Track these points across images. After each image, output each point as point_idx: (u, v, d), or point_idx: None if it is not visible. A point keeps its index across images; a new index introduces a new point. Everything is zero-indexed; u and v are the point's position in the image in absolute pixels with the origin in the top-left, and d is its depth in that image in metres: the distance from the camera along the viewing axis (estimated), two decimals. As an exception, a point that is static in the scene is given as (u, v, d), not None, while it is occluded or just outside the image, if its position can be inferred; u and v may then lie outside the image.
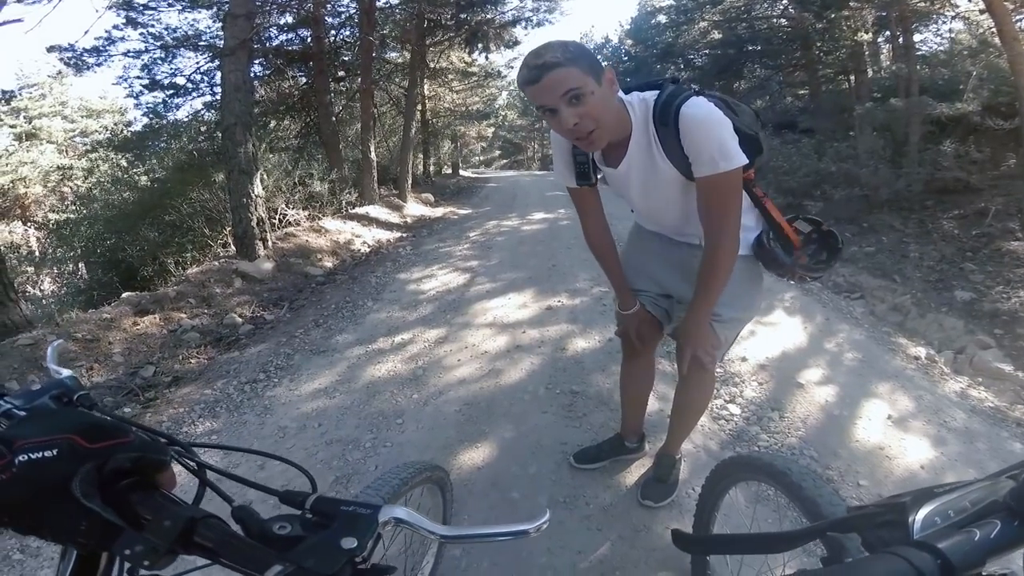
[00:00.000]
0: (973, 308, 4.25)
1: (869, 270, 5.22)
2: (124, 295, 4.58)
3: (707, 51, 14.69)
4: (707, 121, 1.26)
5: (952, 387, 3.06)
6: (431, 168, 17.58)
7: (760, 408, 2.67)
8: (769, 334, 3.50)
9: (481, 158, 35.44)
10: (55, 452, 0.43)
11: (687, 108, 1.27)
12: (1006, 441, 2.49)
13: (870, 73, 10.50)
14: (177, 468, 0.55)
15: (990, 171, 6.70)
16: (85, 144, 18.28)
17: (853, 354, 3.34)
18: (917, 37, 9.08)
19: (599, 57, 1.28)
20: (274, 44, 10.67)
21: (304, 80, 11.46)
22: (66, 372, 0.58)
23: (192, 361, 3.56)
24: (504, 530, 0.50)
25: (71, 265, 8.96)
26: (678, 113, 1.27)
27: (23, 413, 0.51)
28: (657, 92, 1.35)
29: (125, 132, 12.05)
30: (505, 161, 40.81)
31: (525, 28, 12.45)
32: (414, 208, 10.59)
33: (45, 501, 0.43)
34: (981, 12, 6.93)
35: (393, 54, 13.06)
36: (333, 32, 11.13)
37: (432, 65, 13.58)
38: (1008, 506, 0.47)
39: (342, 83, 12.04)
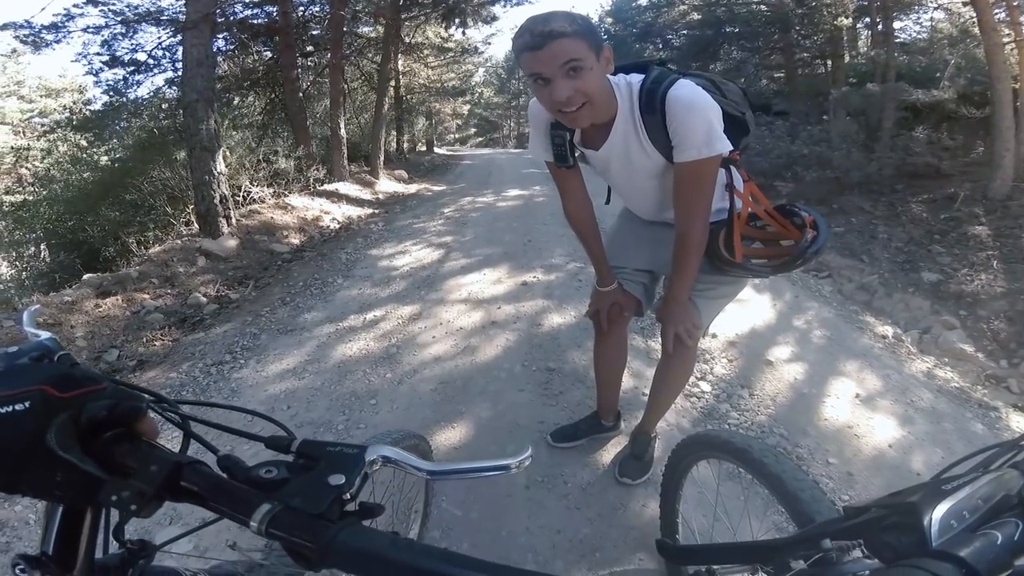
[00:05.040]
0: (939, 289, 4.34)
1: (838, 250, 5.30)
2: (85, 277, 4.40)
3: (685, 31, 14.62)
4: (696, 106, 1.23)
5: (919, 367, 3.13)
6: (405, 145, 17.26)
7: (730, 386, 2.69)
8: (738, 311, 3.51)
9: (456, 136, 34.92)
10: (27, 405, 0.41)
11: (675, 91, 1.23)
12: (970, 422, 2.56)
13: (847, 58, 10.57)
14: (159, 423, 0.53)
15: (961, 158, 6.84)
16: (44, 124, 17.51)
17: (821, 332, 3.38)
18: (897, 24, 9.15)
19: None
20: (238, 18, 10.24)
21: (269, 55, 11.05)
22: (45, 334, 0.55)
23: (157, 343, 3.43)
24: (487, 465, 0.51)
25: (32, 248, 8.70)
26: (664, 98, 1.24)
27: None
28: (642, 76, 1.31)
29: (84, 111, 11.54)
30: (481, 139, 40.37)
31: (504, 6, 12.18)
32: (387, 185, 10.38)
33: (21, 457, 0.41)
34: (964, 4, 7.03)
35: (366, 28, 12.64)
36: (301, 7, 10.73)
37: (407, 40, 13.23)
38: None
39: (310, 58, 11.63)
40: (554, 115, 1.28)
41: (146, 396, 0.52)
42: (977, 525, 0.44)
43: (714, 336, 3.16)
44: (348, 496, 0.46)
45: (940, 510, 0.45)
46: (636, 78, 1.31)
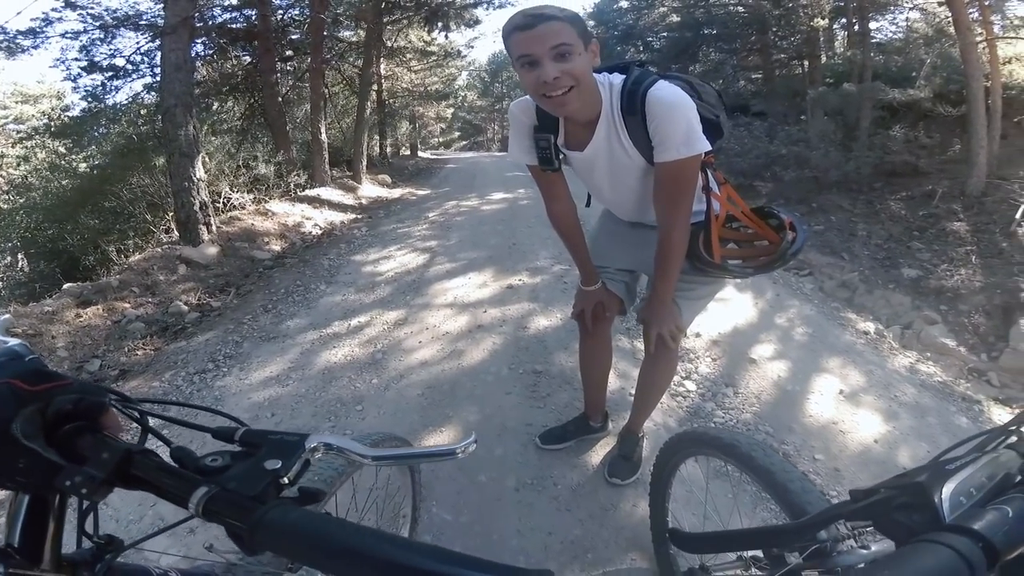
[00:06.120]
0: (919, 285, 4.41)
1: (818, 248, 5.36)
2: (65, 286, 4.32)
3: (665, 34, 14.76)
4: (676, 106, 1.24)
5: (901, 362, 3.16)
6: (388, 149, 17.17)
7: (715, 384, 2.70)
8: (721, 310, 3.53)
9: (440, 139, 34.87)
10: None
11: (655, 91, 1.24)
12: (954, 416, 2.59)
13: (824, 59, 10.73)
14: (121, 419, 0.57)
15: (938, 155, 6.97)
16: (20, 131, 17.25)
17: (804, 329, 3.41)
18: (873, 25, 9.30)
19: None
20: (217, 22, 10.17)
21: (248, 59, 10.96)
22: (14, 340, 0.57)
23: (139, 352, 3.36)
24: (433, 450, 0.52)
25: (9, 257, 8.57)
26: (644, 98, 1.25)
27: None
28: (623, 77, 1.31)
29: (62, 117, 11.40)
30: (465, 143, 40.38)
31: (487, 9, 12.17)
32: (370, 189, 10.32)
33: None
34: (940, 4, 7.17)
35: (347, 32, 12.59)
36: (280, 11, 10.66)
37: (389, 44, 13.19)
38: None
39: (290, 63, 11.54)
40: (539, 101, 1.26)
41: (110, 393, 0.54)
42: (984, 501, 0.46)
43: (698, 335, 3.18)
44: (287, 481, 0.48)
45: (948, 488, 0.47)
46: (618, 78, 1.32)
